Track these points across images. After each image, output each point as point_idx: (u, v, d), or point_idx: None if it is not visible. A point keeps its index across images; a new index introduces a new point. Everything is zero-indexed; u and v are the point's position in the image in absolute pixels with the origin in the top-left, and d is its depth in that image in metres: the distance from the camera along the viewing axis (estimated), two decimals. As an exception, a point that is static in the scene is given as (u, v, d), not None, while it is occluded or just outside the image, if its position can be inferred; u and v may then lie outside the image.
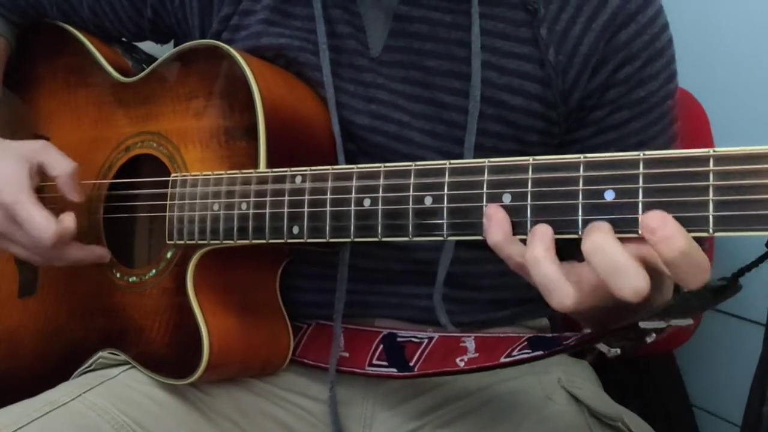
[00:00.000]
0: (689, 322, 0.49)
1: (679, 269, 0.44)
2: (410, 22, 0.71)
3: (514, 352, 0.62)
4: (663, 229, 0.44)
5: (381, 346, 0.73)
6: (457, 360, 0.67)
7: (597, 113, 0.72)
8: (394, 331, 0.74)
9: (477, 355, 0.67)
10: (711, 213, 0.45)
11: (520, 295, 0.78)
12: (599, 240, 0.45)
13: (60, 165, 0.73)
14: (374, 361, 0.72)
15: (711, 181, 0.45)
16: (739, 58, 0.97)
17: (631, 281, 0.44)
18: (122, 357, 0.72)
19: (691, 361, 1.08)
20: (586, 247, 0.46)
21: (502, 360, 0.62)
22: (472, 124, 0.69)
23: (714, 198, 0.45)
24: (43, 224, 0.70)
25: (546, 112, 0.71)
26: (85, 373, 0.72)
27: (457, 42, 0.70)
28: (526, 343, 0.64)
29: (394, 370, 0.71)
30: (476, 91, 0.69)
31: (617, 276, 0.44)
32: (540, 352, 0.60)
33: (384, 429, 0.74)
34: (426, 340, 0.71)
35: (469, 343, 0.68)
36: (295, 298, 0.76)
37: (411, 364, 0.70)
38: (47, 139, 0.83)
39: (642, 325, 0.48)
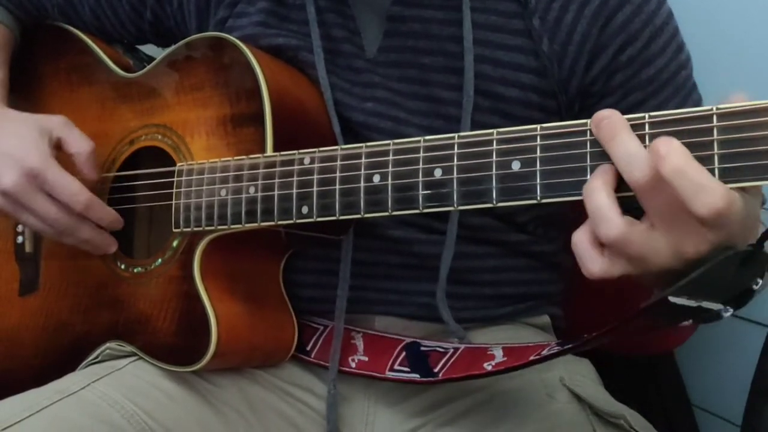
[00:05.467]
0: (719, 306, 0.49)
1: (679, 187, 0.45)
2: (403, 22, 0.73)
3: (543, 352, 0.61)
4: (662, 147, 0.46)
5: (404, 353, 0.72)
6: (485, 365, 0.65)
7: (608, 100, 0.71)
8: (418, 340, 0.73)
9: (505, 359, 0.65)
10: (716, 166, 0.47)
11: (521, 290, 0.78)
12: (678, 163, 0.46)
13: (78, 143, 0.74)
14: (396, 367, 0.71)
15: (715, 136, 0.47)
16: (739, 58, 0.97)
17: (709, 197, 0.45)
18: (128, 348, 0.71)
19: (691, 361, 1.07)
20: (667, 170, 0.46)
21: (532, 358, 0.61)
22: (466, 119, 0.69)
23: (719, 152, 0.46)
24: (78, 187, 0.71)
25: (543, 102, 0.72)
26: (92, 364, 0.72)
27: (450, 38, 0.71)
28: (554, 343, 0.63)
29: (417, 375, 0.69)
30: (469, 85, 0.69)
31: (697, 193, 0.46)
32: (569, 345, 0.59)
33: (386, 427, 0.74)
34: (451, 350, 0.70)
35: (497, 351, 0.67)
36: (294, 293, 0.76)
37: (435, 370, 0.69)
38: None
39: (672, 299, 0.47)
